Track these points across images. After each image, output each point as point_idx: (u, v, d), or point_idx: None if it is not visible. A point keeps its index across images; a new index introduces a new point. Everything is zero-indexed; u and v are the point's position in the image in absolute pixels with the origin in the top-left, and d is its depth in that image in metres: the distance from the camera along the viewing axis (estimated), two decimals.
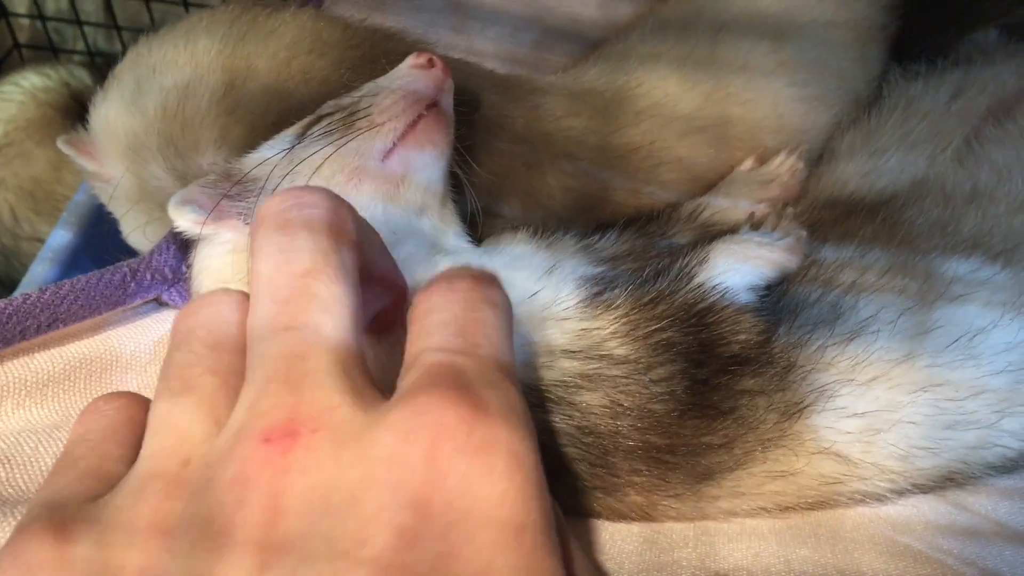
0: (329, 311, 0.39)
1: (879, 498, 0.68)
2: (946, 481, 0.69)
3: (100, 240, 0.91)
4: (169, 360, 0.42)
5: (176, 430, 0.40)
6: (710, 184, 0.88)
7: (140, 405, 0.45)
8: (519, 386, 0.40)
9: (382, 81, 0.70)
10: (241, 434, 0.36)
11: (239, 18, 0.78)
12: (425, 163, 0.66)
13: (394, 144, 0.65)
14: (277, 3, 0.83)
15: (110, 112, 0.78)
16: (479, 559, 0.33)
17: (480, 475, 0.34)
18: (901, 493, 0.68)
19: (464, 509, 0.33)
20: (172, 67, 0.76)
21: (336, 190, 0.47)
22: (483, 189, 0.75)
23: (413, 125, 0.66)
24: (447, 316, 0.41)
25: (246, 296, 0.43)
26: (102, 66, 1.49)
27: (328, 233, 0.41)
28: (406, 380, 0.38)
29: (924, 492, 0.69)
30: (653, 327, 0.61)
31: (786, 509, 0.65)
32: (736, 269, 0.65)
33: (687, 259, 0.66)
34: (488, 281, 0.44)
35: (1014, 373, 0.68)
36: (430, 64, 0.70)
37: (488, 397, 0.36)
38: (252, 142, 0.71)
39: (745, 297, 0.64)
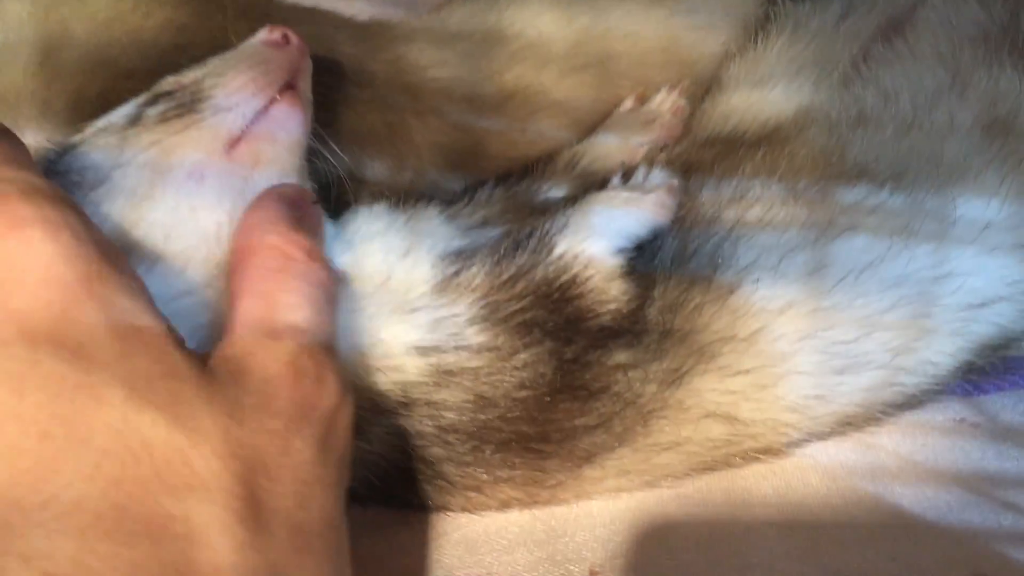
0: None
1: (775, 452, 0.66)
2: (844, 426, 0.68)
3: None
4: None
5: None
6: (593, 126, 0.83)
7: None
8: (39, 172, 0.43)
9: (229, 58, 0.63)
10: None
11: None
12: (277, 154, 0.59)
13: (242, 133, 0.58)
14: None
15: None
16: (50, 314, 0.38)
17: (21, 249, 0.38)
18: (797, 444, 0.67)
19: (15, 281, 0.38)
20: None
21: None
22: (343, 153, 0.70)
23: (264, 111, 0.59)
24: None
25: None
26: None
27: None
28: None
29: (822, 439, 0.68)
30: (514, 308, 0.57)
31: (676, 478, 0.63)
32: (601, 231, 0.61)
33: (547, 226, 0.61)
34: None
35: (906, 307, 0.66)
36: (285, 40, 0.63)
37: (3, 187, 0.40)
38: (77, 115, 0.65)
39: (612, 262, 0.60)
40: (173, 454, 0.37)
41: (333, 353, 0.48)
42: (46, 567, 0.34)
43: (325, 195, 0.66)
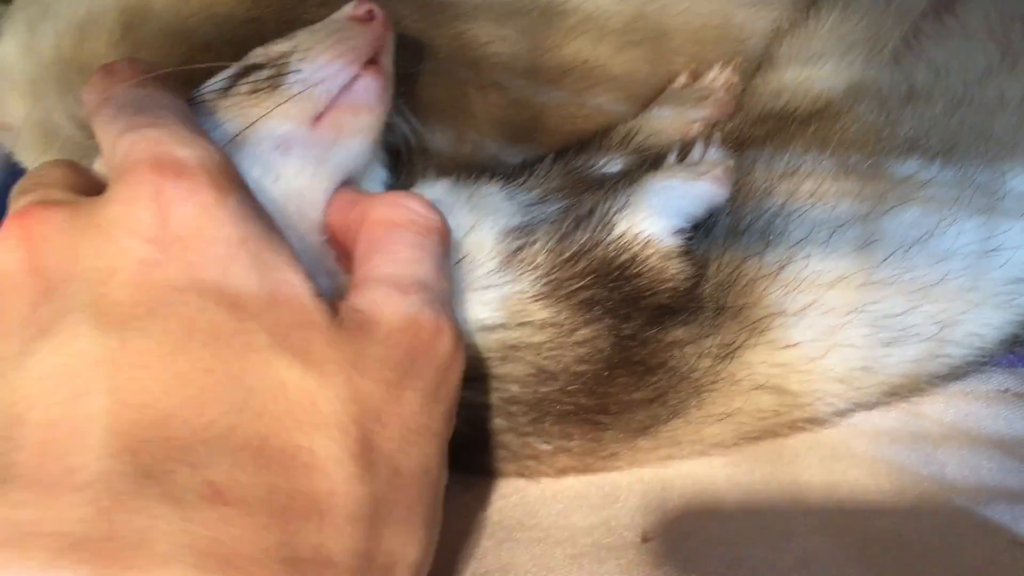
0: None
1: (821, 422, 0.68)
2: (890, 396, 0.70)
3: None
4: None
5: None
6: (648, 101, 0.85)
7: None
8: (212, 140, 0.49)
9: (317, 31, 0.64)
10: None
11: None
12: (359, 127, 0.61)
13: (326, 106, 0.60)
14: None
15: (5, 56, 0.74)
16: (216, 269, 0.44)
17: (196, 212, 0.44)
18: (843, 414, 0.69)
19: (191, 238, 0.44)
20: (64, 8, 0.72)
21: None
22: (407, 124, 0.72)
23: (348, 86, 0.61)
24: (122, 103, 0.50)
25: None
26: None
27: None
28: (112, 171, 0.48)
29: (867, 409, 0.70)
30: (576, 286, 0.59)
31: (726, 448, 0.66)
32: (659, 211, 0.63)
33: (607, 205, 0.63)
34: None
35: (954, 281, 0.68)
36: (370, 16, 0.64)
37: (184, 154, 0.45)
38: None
39: (670, 242, 0.62)
40: (304, 395, 0.43)
41: (450, 306, 0.52)
42: (207, 476, 0.40)
43: (394, 163, 0.69)
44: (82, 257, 0.44)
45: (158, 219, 0.44)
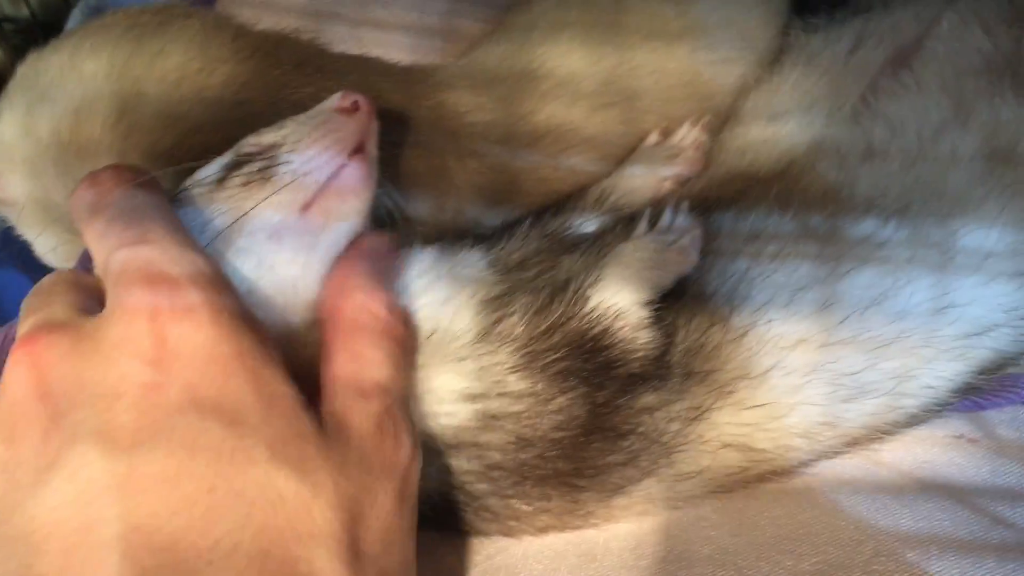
0: None
1: (785, 473, 0.72)
2: (850, 446, 0.73)
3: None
4: None
5: None
6: (621, 159, 0.88)
7: None
8: (202, 250, 0.51)
9: (304, 122, 0.66)
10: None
11: (124, 36, 0.76)
12: (347, 211, 0.63)
13: (315, 195, 0.62)
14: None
15: (4, 136, 0.76)
16: (214, 387, 0.45)
17: (192, 331, 0.46)
18: (807, 464, 0.72)
19: (189, 357, 0.46)
20: (61, 93, 0.74)
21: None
22: (388, 198, 0.75)
23: (336, 173, 0.63)
24: (109, 216, 0.52)
25: None
26: (10, 33, 1.41)
27: None
28: (109, 289, 0.49)
29: (828, 459, 0.73)
30: (552, 357, 0.63)
31: (696, 500, 0.69)
32: (629, 284, 0.66)
33: (581, 278, 0.67)
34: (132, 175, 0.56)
35: (908, 339, 0.72)
36: (355, 107, 0.66)
37: (175, 272, 0.48)
38: (151, 167, 0.66)
39: (639, 314, 0.65)
40: (300, 505, 0.45)
41: (407, 408, 0.55)
42: None
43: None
44: (87, 383, 0.46)
45: (156, 341, 0.46)
